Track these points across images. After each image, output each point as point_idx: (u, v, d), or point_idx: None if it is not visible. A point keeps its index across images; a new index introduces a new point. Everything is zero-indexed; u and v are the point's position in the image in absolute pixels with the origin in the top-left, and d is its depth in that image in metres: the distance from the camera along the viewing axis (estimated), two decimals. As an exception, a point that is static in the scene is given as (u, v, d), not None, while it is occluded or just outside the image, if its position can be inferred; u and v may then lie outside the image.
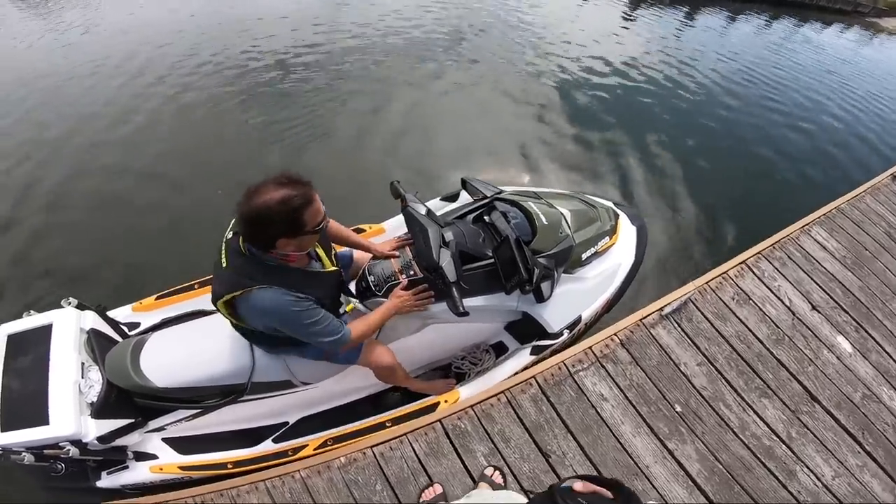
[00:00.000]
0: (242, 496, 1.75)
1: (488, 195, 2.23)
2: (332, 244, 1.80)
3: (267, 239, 1.32)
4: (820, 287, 2.81)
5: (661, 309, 2.39)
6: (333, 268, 1.64)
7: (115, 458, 1.89)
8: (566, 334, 2.17)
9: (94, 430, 1.73)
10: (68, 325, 1.94)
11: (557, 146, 4.77)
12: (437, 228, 1.83)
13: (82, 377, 1.83)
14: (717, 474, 2.02)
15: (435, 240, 1.78)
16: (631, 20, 9.12)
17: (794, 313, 2.63)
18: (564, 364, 2.14)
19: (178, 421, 2.01)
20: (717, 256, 3.45)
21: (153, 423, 2.02)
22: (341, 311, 1.81)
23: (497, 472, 1.85)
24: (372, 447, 1.89)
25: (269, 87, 5.30)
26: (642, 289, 3.18)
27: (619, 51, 7.13)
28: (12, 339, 1.89)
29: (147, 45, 6.00)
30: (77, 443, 1.70)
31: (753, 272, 2.73)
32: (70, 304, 1.99)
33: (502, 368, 2.16)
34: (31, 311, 1.97)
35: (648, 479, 1.95)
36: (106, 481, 1.88)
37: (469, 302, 1.88)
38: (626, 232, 2.47)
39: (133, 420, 1.92)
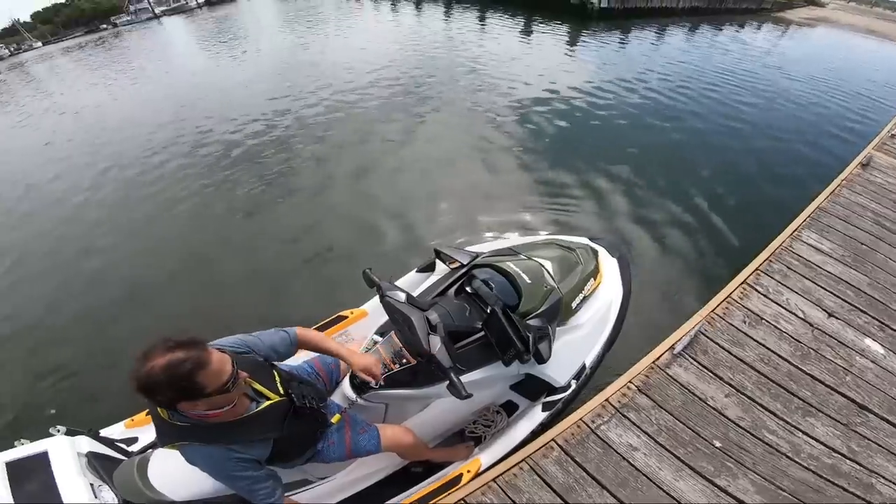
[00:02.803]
0: None
1: (464, 262, 2.32)
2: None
3: (164, 404, 1.34)
4: (829, 292, 2.83)
5: (671, 347, 2.37)
6: (278, 398, 1.62)
7: None
8: (574, 384, 2.18)
9: None
10: (64, 450, 2.00)
11: (530, 186, 5.16)
12: (420, 314, 1.88)
13: (96, 497, 1.89)
14: (783, 501, 1.92)
15: (421, 328, 1.82)
16: (572, 52, 10.43)
17: (811, 324, 2.62)
18: (583, 421, 2.10)
19: None
20: (712, 278, 3.57)
21: None
22: (330, 424, 1.83)
23: None
24: None
25: (242, 161, 6.00)
26: (641, 322, 3.15)
27: (569, 81, 8.12)
28: (11, 467, 1.94)
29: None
30: None
31: (757, 290, 2.75)
32: (59, 431, 2.07)
33: (517, 430, 2.13)
34: (23, 440, 2.04)
35: (708, 523, 1.85)
36: None
37: (469, 377, 1.93)
38: (609, 267, 2.56)
39: None
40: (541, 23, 12.00)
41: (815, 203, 3.49)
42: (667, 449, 2.02)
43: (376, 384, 1.95)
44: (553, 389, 2.16)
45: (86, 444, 2.05)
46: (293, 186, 5.37)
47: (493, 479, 1.93)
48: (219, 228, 4.82)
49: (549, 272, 2.24)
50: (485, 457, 2.06)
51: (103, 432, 2.26)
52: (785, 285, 2.81)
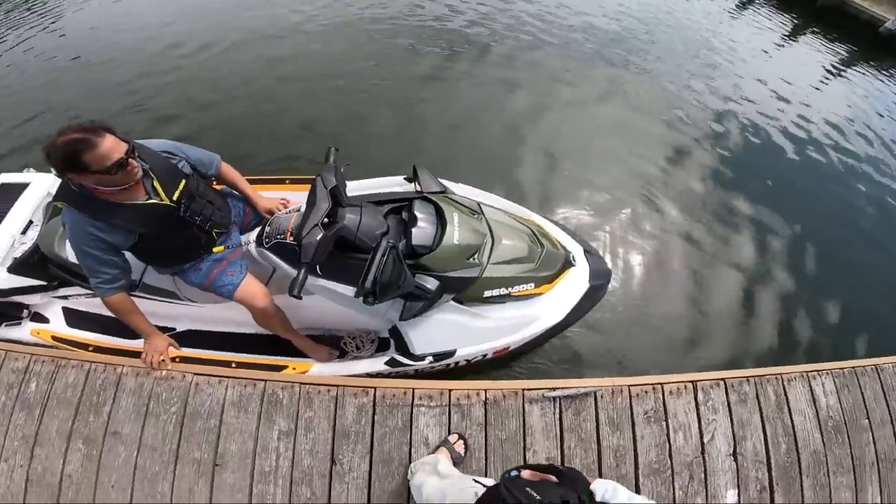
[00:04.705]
0: (66, 369, 2.14)
1: (421, 191, 2.16)
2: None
3: (58, 170, 1.66)
4: (765, 438, 2.58)
5: (551, 388, 2.22)
6: (168, 201, 1.86)
7: (12, 312, 2.32)
8: (428, 361, 2.23)
9: None
10: (41, 187, 2.33)
11: (679, 193, 4.72)
12: (325, 207, 1.85)
13: (23, 233, 2.24)
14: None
15: (316, 216, 1.82)
16: (837, 77, 7.86)
17: (703, 451, 2.48)
18: (412, 391, 2.18)
19: (80, 295, 2.36)
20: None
21: (63, 291, 2.37)
22: (215, 249, 2.06)
23: (461, 442, 2.12)
24: (195, 374, 2.09)
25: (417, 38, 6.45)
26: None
27: (808, 107, 6.57)
28: (1, 187, 2.31)
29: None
30: None
31: (696, 395, 2.49)
32: (53, 171, 2.33)
33: (356, 364, 2.21)
34: (30, 169, 2.45)
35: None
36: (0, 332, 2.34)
37: (337, 287, 2.05)
38: (571, 287, 2.33)
39: (43, 283, 2.26)
40: (815, 32, 9.24)
41: (879, 360, 2.81)
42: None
43: (266, 243, 2.12)
44: (408, 351, 2.18)
45: None
46: (453, 73, 5.83)
47: (301, 383, 2.15)
48: (381, 73, 5.69)
49: (489, 247, 2.08)
50: (318, 367, 2.29)
51: None
52: (730, 408, 2.50)
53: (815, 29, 9.28)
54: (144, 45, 6.24)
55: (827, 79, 7.71)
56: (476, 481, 1.42)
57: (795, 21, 9.47)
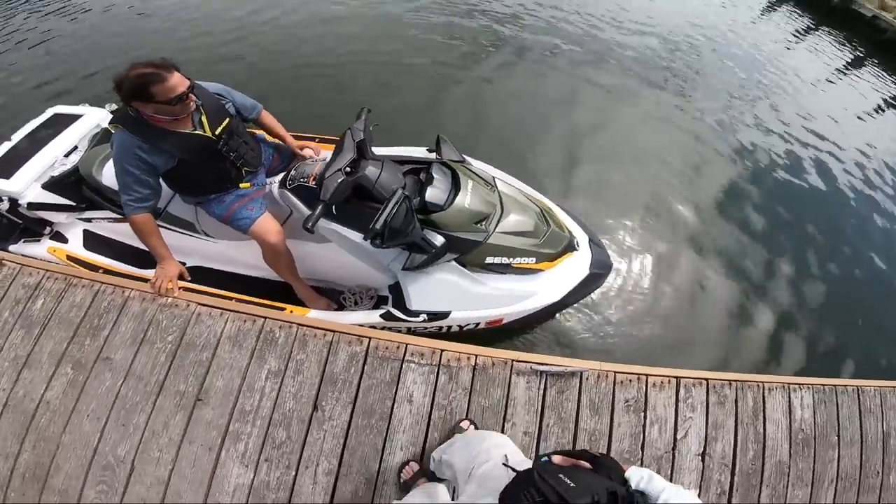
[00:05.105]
0: (76, 288, 2.18)
1: (443, 158, 2.22)
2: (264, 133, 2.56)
3: (124, 98, 1.88)
4: (735, 442, 2.64)
5: (540, 363, 2.27)
6: (210, 135, 2.09)
7: (35, 228, 2.42)
8: (422, 319, 2.30)
9: (31, 195, 2.23)
10: (92, 120, 2.49)
11: (704, 207, 4.71)
12: (350, 156, 1.98)
13: (66, 156, 2.39)
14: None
15: (339, 162, 1.96)
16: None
17: (674, 448, 2.54)
18: (406, 346, 2.21)
19: (105, 218, 2.45)
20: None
21: (89, 214, 2.47)
22: (242, 185, 2.29)
23: (472, 427, 2.13)
24: (199, 304, 2.10)
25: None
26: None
27: (861, 143, 6.36)
28: (54, 117, 2.47)
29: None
30: (13, 201, 2.23)
31: (678, 391, 2.54)
32: (109, 107, 2.61)
33: (352, 314, 2.26)
34: (86, 105, 2.57)
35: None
36: (16, 247, 2.41)
37: (349, 233, 2.16)
38: (570, 269, 2.40)
39: (72, 204, 2.37)
40: (882, 66, 8.97)
41: (861, 381, 2.88)
42: (430, 421, 2.19)
43: (289, 185, 2.27)
44: (405, 306, 2.28)
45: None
46: (516, 74, 6.05)
47: (299, 324, 2.17)
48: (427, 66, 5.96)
49: (497, 218, 2.17)
50: (315, 314, 2.34)
51: None
52: (708, 408, 2.57)
53: (877, 61, 9.18)
54: (222, 13, 6.85)
55: (884, 111, 7.64)
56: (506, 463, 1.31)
57: (859, 52, 9.39)
